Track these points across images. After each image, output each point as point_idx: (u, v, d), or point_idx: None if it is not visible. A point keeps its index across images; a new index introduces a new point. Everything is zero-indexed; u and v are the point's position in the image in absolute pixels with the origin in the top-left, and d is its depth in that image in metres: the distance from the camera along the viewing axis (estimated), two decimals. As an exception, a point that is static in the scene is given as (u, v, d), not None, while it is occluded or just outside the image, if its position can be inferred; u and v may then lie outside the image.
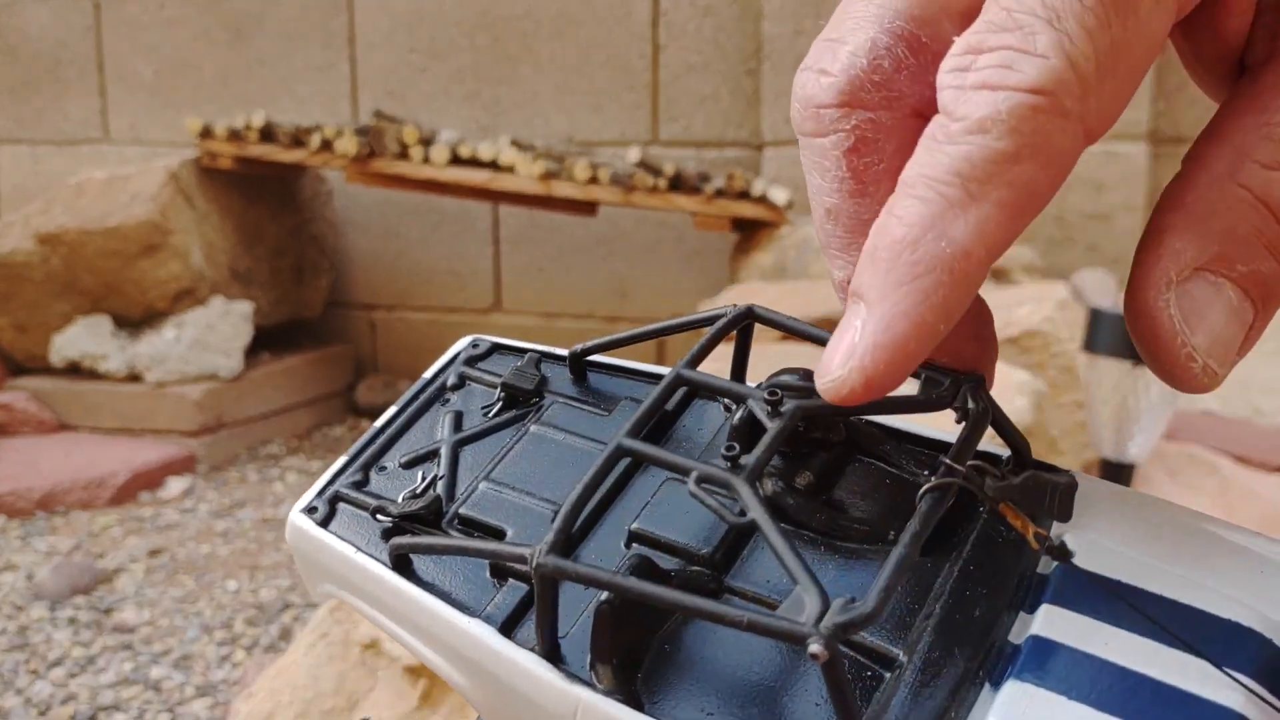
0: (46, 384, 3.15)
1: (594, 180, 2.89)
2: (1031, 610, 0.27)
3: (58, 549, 2.44)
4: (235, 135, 3.12)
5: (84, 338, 3.15)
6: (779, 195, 2.86)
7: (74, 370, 3.17)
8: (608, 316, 3.44)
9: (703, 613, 0.24)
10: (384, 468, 0.36)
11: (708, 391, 0.33)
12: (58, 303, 3.21)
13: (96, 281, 3.16)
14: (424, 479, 0.34)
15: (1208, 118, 0.28)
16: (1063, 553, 0.27)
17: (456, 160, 2.99)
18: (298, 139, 3.09)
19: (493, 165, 2.96)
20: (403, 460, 0.36)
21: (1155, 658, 0.25)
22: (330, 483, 0.35)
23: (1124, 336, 1.68)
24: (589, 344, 0.37)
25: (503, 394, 0.37)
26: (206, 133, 3.14)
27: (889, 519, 0.29)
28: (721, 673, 0.27)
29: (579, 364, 0.37)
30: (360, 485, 0.35)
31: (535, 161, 2.90)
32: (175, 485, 2.83)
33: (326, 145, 3.06)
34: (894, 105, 0.27)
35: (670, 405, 0.35)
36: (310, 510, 0.35)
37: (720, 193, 2.86)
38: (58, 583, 2.22)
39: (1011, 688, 0.25)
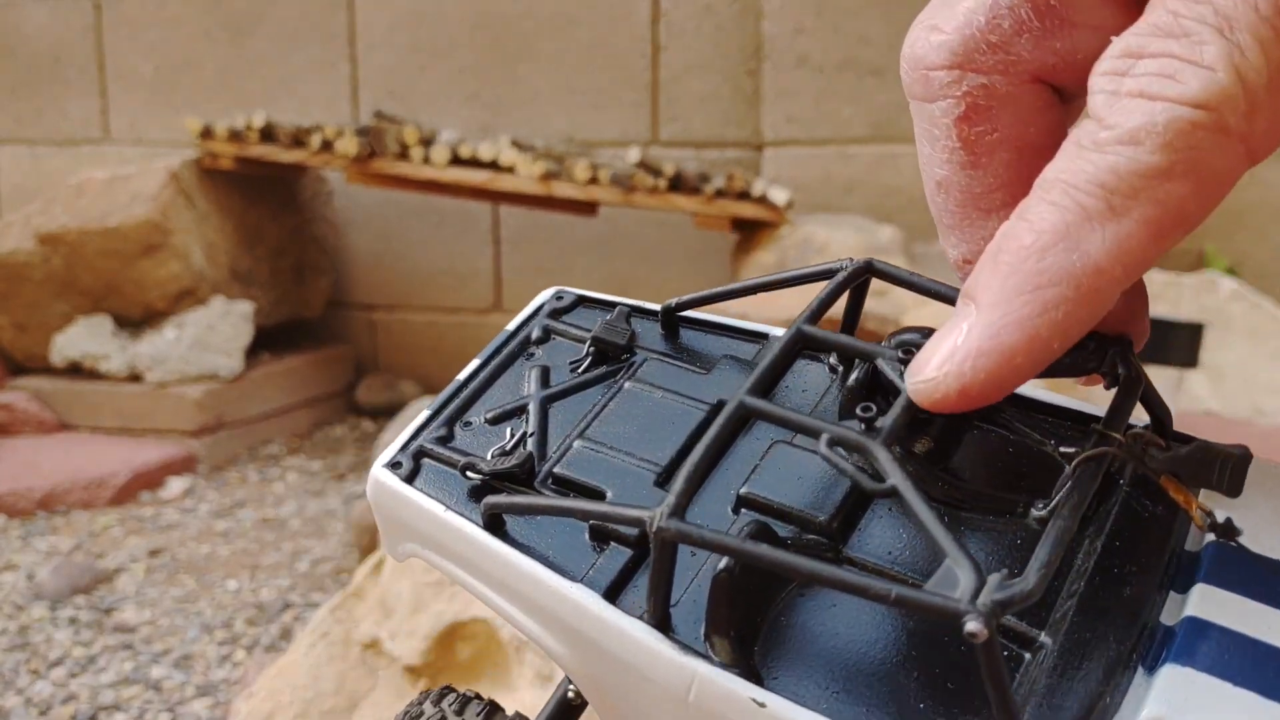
0: (47, 384, 3.15)
1: (594, 180, 2.89)
2: (1184, 590, 0.25)
3: (58, 549, 2.44)
4: (236, 135, 3.12)
5: (84, 338, 3.15)
6: (779, 195, 2.86)
7: (74, 370, 3.17)
8: (608, 316, 3.44)
9: (842, 584, 0.22)
10: (469, 423, 0.34)
11: (832, 348, 0.30)
12: (58, 303, 3.21)
13: (97, 281, 3.16)
14: (513, 436, 0.33)
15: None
16: (1229, 531, 0.25)
17: (457, 160, 2.99)
18: (298, 139, 3.09)
19: (493, 165, 2.96)
20: (489, 416, 0.34)
21: None
22: (414, 437, 0.34)
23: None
24: (684, 298, 0.35)
25: (592, 348, 0.35)
26: (207, 133, 3.13)
27: (1013, 489, 0.27)
28: (844, 648, 0.25)
29: (672, 319, 0.35)
30: (445, 441, 0.33)
31: (535, 162, 2.90)
32: (176, 485, 2.83)
33: (327, 145, 3.06)
34: (1011, 70, 0.25)
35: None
36: (394, 465, 0.33)
37: (720, 193, 2.86)
38: (58, 583, 2.22)
39: (1170, 672, 0.23)
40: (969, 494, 0.28)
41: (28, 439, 3.02)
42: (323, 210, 3.61)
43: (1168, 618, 0.24)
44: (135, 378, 3.10)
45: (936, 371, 0.23)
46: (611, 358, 0.35)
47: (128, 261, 3.11)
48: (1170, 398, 1.83)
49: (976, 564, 0.21)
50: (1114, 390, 0.27)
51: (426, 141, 3.03)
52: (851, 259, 0.31)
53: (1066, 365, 0.27)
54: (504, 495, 0.30)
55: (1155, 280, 2.65)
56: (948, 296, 0.29)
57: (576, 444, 0.32)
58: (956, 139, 0.26)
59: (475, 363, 0.36)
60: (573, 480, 0.31)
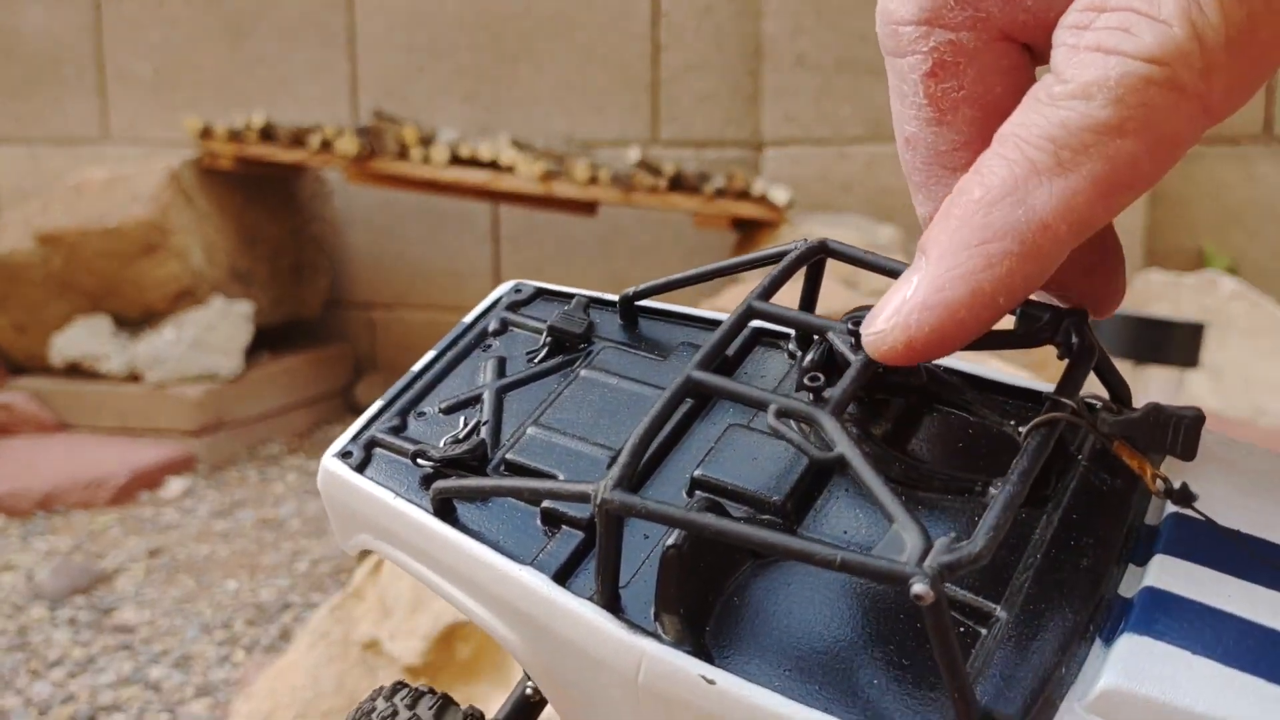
0: (46, 384, 3.15)
1: (594, 180, 2.89)
2: (1142, 562, 0.25)
3: (58, 549, 2.44)
4: (235, 135, 3.12)
5: (84, 338, 3.15)
6: (779, 195, 2.86)
7: (74, 370, 3.17)
8: (608, 316, 3.44)
9: (788, 551, 0.22)
10: (423, 413, 0.34)
11: (782, 323, 0.30)
12: (57, 303, 3.20)
13: (96, 281, 3.16)
14: (466, 424, 0.33)
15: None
16: (1185, 496, 0.25)
17: (456, 160, 2.99)
18: (298, 139, 3.09)
19: (493, 165, 2.96)
20: (443, 406, 0.34)
21: None
22: (365, 427, 0.33)
23: (1124, 337, 1.68)
24: (641, 287, 0.35)
25: (549, 338, 0.35)
26: (206, 133, 3.13)
27: (971, 469, 0.27)
28: (797, 626, 0.25)
29: (630, 308, 0.35)
30: (398, 430, 0.33)
31: (535, 161, 2.90)
32: (175, 485, 2.83)
33: (326, 145, 3.06)
34: (980, 27, 0.24)
35: (733, 348, 0.32)
36: (344, 455, 0.33)
37: (720, 192, 2.86)
38: (57, 583, 2.22)
39: (1128, 642, 0.22)
40: (927, 474, 0.27)
41: (27, 439, 3.02)
42: (322, 210, 3.61)
43: (1126, 589, 0.24)
44: (134, 378, 3.10)
45: (885, 324, 0.23)
46: (569, 347, 0.35)
47: (127, 261, 3.10)
48: (1170, 398, 1.83)
49: (923, 528, 0.21)
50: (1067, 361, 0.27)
51: (426, 141, 3.02)
52: (805, 239, 0.30)
53: (1021, 337, 0.27)
54: (453, 480, 0.30)
55: (1155, 280, 2.65)
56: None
57: (530, 430, 0.32)
58: (923, 95, 0.25)
59: (431, 354, 0.36)
60: (525, 466, 0.31)
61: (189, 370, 3.07)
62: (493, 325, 0.36)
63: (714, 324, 0.34)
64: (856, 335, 0.26)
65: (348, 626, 1.31)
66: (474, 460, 0.31)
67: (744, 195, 2.86)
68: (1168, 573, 0.24)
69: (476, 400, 0.34)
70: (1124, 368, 1.79)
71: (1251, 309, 2.46)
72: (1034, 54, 0.26)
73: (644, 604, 0.26)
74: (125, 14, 3.73)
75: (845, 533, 0.27)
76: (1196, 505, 0.25)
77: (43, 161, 3.87)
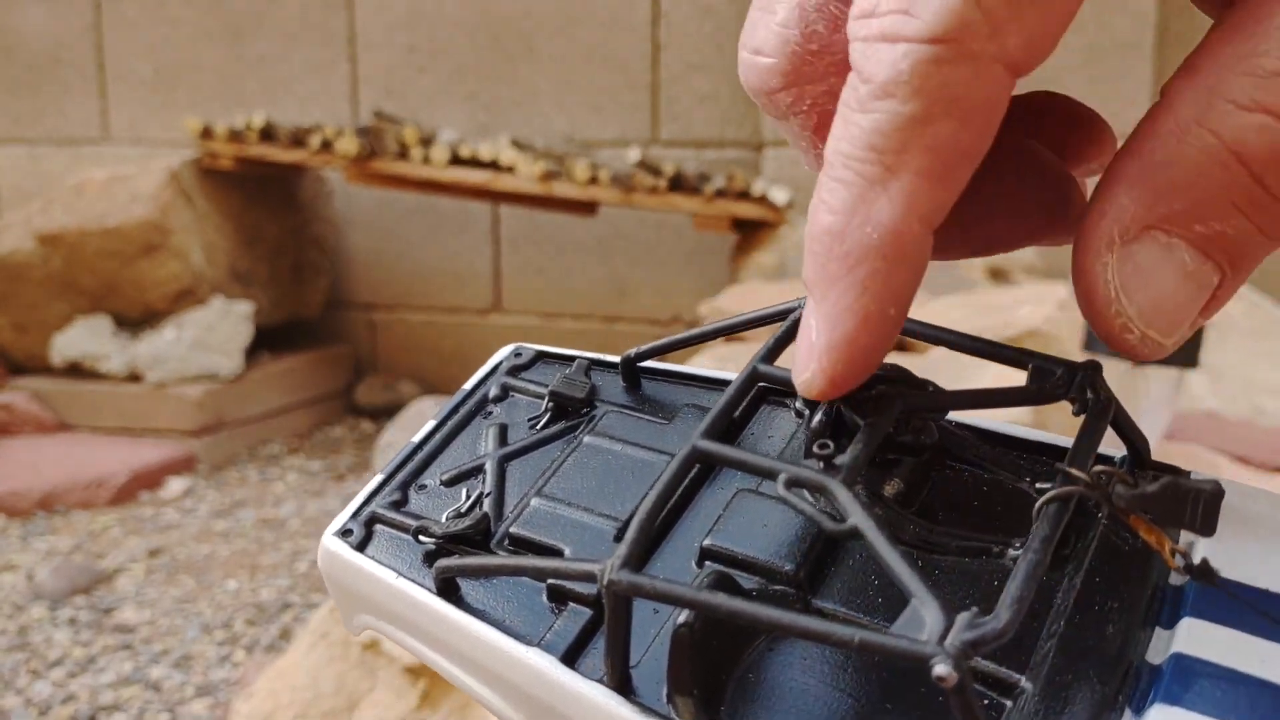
0: (46, 384, 3.15)
1: (594, 180, 2.89)
2: (1169, 625, 0.24)
3: (58, 549, 2.44)
4: (235, 135, 3.12)
5: (84, 338, 3.15)
6: (779, 195, 2.86)
7: (74, 370, 3.17)
8: (608, 316, 3.44)
9: (804, 631, 0.21)
10: (424, 486, 0.33)
11: (787, 387, 0.29)
12: (58, 303, 3.21)
13: (96, 281, 3.16)
14: (469, 497, 0.32)
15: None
16: (1206, 573, 0.24)
17: (456, 160, 2.99)
18: (298, 139, 3.09)
19: (493, 165, 2.96)
20: (444, 478, 0.33)
21: None
22: (366, 503, 0.32)
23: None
24: (643, 348, 0.34)
25: (551, 404, 0.34)
26: (207, 133, 3.14)
27: (988, 530, 0.26)
28: (815, 704, 0.24)
29: (632, 370, 0.34)
30: (399, 505, 0.32)
31: (535, 161, 2.90)
32: (175, 485, 2.83)
33: (326, 145, 3.06)
34: (845, 68, 0.23)
35: (736, 413, 0.31)
36: (345, 533, 0.32)
37: (720, 193, 2.86)
38: (58, 583, 2.22)
39: (1159, 713, 0.21)
40: (942, 536, 0.26)
41: (27, 439, 3.02)
42: (322, 210, 3.61)
43: (1154, 655, 0.23)
44: (135, 378, 3.10)
45: (806, 371, 0.24)
46: (571, 412, 0.34)
47: (127, 261, 3.11)
48: (1170, 398, 1.83)
49: (943, 603, 0.20)
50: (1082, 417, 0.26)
51: (426, 141, 3.03)
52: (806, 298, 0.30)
53: (1034, 394, 0.26)
54: (456, 558, 0.29)
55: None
56: (912, 332, 0.28)
57: (534, 502, 0.31)
58: (821, 147, 0.25)
59: (430, 424, 0.35)
60: (530, 540, 0.30)
61: (189, 370, 3.07)
62: (493, 391, 0.36)
63: (718, 383, 0.34)
64: (865, 397, 0.25)
65: (348, 626, 1.31)
66: (477, 535, 0.30)
67: (744, 196, 2.86)
68: (1196, 637, 0.23)
69: (479, 470, 0.33)
70: (1123, 367, 1.79)
71: (1251, 309, 2.46)
72: None
73: (656, 684, 0.25)
74: (125, 14, 3.73)
75: (861, 602, 0.26)
76: (1220, 574, 0.24)
77: (43, 161, 3.87)
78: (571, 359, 0.36)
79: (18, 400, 3.08)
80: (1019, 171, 0.26)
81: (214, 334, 3.11)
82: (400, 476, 0.33)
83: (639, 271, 3.41)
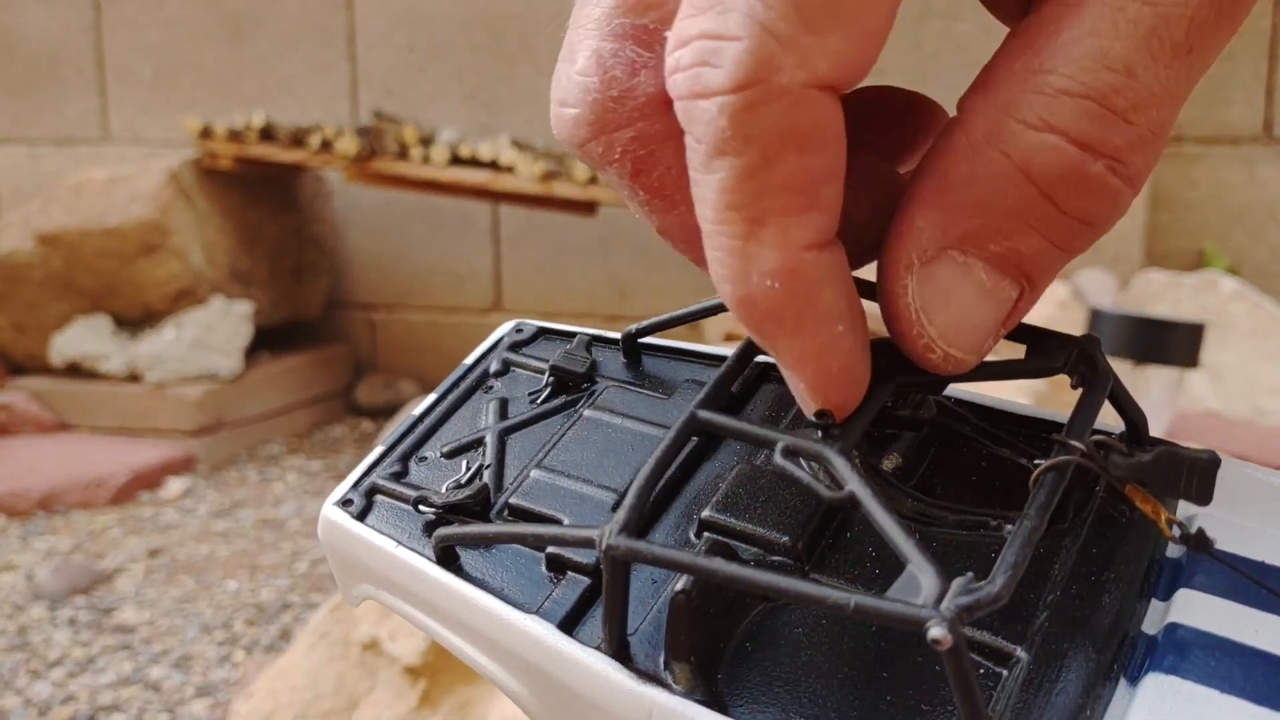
0: (46, 384, 3.15)
1: (594, 180, 2.89)
2: (1165, 597, 0.24)
3: (57, 549, 2.44)
4: (235, 135, 3.12)
5: (84, 338, 3.15)
6: (779, 195, 2.86)
7: (74, 370, 3.17)
8: (608, 316, 3.44)
9: (800, 596, 0.21)
10: (424, 458, 0.33)
11: None
12: (57, 303, 3.21)
13: (96, 281, 3.16)
14: (469, 468, 0.32)
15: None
16: (1202, 542, 0.24)
17: (456, 160, 2.99)
18: (297, 139, 3.09)
19: (493, 165, 2.96)
20: (444, 450, 0.33)
21: None
22: (366, 474, 0.33)
23: (1125, 337, 1.68)
24: (643, 324, 0.34)
25: (552, 378, 0.34)
26: (206, 133, 3.13)
27: (985, 504, 0.26)
28: (812, 671, 0.24)
29: (633, 346, 0.34)
30: (399, 476, 0.32)
31: (535, 161, 2.90)
32: (175, 485, 2.83)
33: (326, 145, 3.06)
34: (650, 111, 0.23)
35: (738, 385, 0.31)
36: (345, 503, 0.32)
37: (720, 192, 2.86)
38: (57, 583, 2.22)
39: (1154, 682, 0.22)
40: (940, 510, 0.27)
41: (27, 439, 3.02)
42: (322, 210, 3.61)
43: (1150, 626, 0.24)
44: (134, 378, 3.10)
45: (809, 412, 0.24)
46: (572, 387, 0.34)
47: (127, 261, 3.10)
48: (1171, 398, 1.83)
49: (939, 568, 0.20)
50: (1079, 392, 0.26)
51: (426, 141, 3.02)
52: None
53: (1031, 368, 0.26)
54: (455, 527, 0.29)
55: (1155, 280, 2.65)
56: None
57: (533, 473, 0.31)
58: (643, 192, 0.24)
59: (432, 397, 0.35)
60: (529, 510, 0.30)
61: (189, 370, 3.07)
62: (494, 366, 0.36)
63: (718, 359, 0.34)
64: None
65: (347, 627, 1.31)
66: (477, 505, 0.30)
67: None
68: (1192, 608, 0.23)
69: (479, 443, 0.33)
70: (1124, 368, 1.79)
71: (1252, 309, 2.46)
72: None
73: (653, 651, 0.25)
74: (125, 14, 3.73)
75: (859, 572, 0.26)
76: (1216, 544, 0.24)
77: (43, 161, 3.87)
78: (573, 335, 0.36)
79: (17, 400, 3.08)
80: (852, 186, 0.26)
81: (214, 334, 3.11)
82: (401, 448, 0.33)
83: (639, 271, 3.41)
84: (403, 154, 3.01)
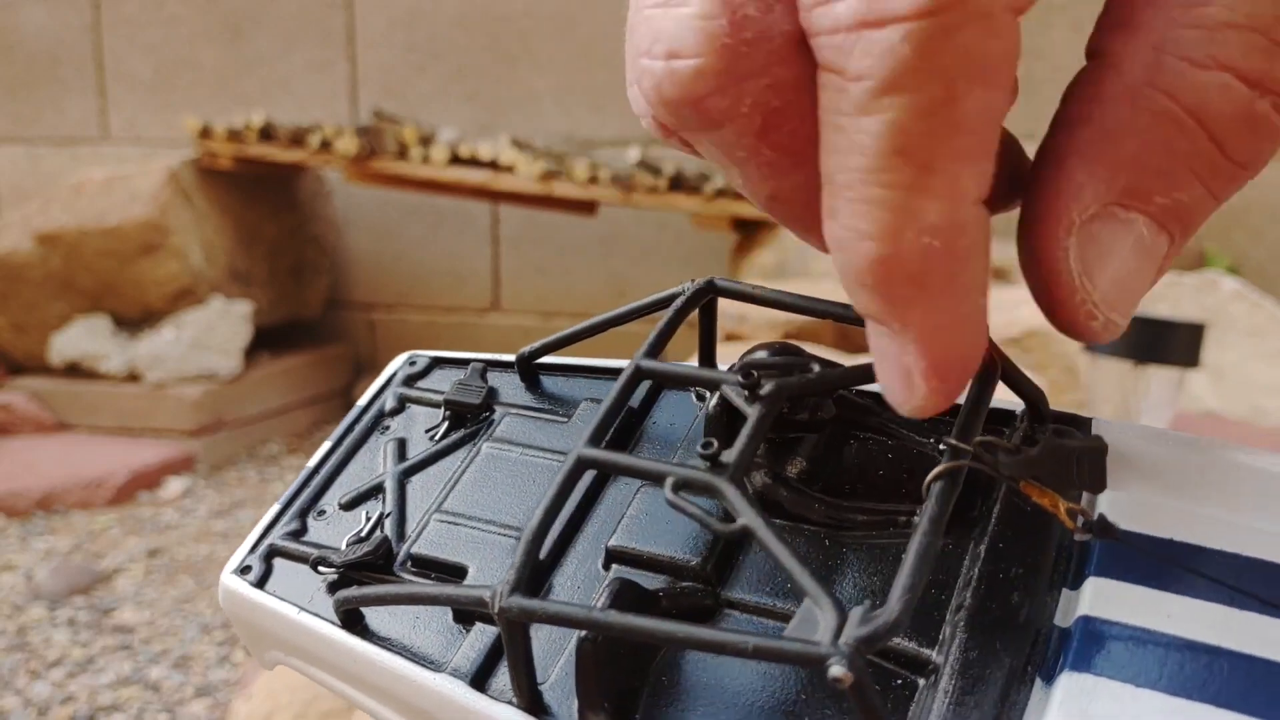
0: (46, 384, 3.15)
1: (594, 180, 2.89)
2: (1076, 586, 0.23)
3: (57, 549, 2.44)
4: (234, 135, 3.12)
5: (83, 338, 3.15)
6: (779, 195, 2.86)
7: (73, 370, 3.17)
8: (607, 316, 3.44)
9: (698, 643, 0.21)
10: (323, 512, 0.32)
11: (672, 382, 0.29)
12: (56, 303, 3.20)
13: (95, 281, 3.16)
14: (369, 519, 0.31)
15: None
16: (1105, 529, 0.23)
17: (456, 160, 2.99)
18: (297, 139, 3.09)
19: (492, 165, 2.96)
20: (343, 500, 0.32)
21: (1229, 625, 0.21)
22: (263, 536, 0.31)
23: (1125, 336, 1.68)
24: (537, 345, 0.33)
25: (448, 412, 0.33)
26: (206, 132, 3.13)
27: (896, 498, 0.26)
28: (731, 703, 0.24)
29: (529, 368, 0.33)
30: (298, 535, 0.31)
31: (535, 161, 2.90)
32: (174, 485, 2.83)
33: (326, 145, 3.06)
34: (787, 54, 0.20)
35: (635, 402, 0.31)
36: (244, 570, 0.31)
37: (720, 192, 2.86)
38: (56, 583, 2.22)
39: (1068, 681, 0.21)
40: (849, 512, 0.26)
41: (26, 439, 3.02)
42: (321, 210, 3.61)
43: (1062, 619, 0.23)
44: (134, 378, 3.10)
45: (915, 397, 0.21)
46: (470, 419, 0.33)
47: (126, 261, 3.10)
48: (1171, 398, 1.83)
49: (836, 600, 0.20)
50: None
51: (425, 141, 3.02)
52: (693, 280, 0.29)
53: None
54: (356, 588, 0.28)
55: (1155, 280, 2.64)
56: (795, 306, 0.27)
57: (434, 520, 0.30)
58: (769, 150, 0.21)
59: (327, 445, 0.34)
60: (433, 559, 0.29)
61: (188, 370, 3.07)
62: (389, 404, 0.34)
63: (615, 373, 0.33)
64: (750, 386, 0.24)
65: (347, 627, 1.30)
66: (379, 560, 0.29)
67: (744, 195, 2.86)
68: (1102, 597, 0.23)
69: (378, 490, 0.32)
70: (1124, 367, 1.79)
71: (1252, 309, 2.46)
72: None
73: (568, 700, 0.24)
74: (125, 14, 3.73)
75: (770, 586, 0.25)
76: (1120, 528, 0.23)
77: (42, 161, 3.87)
78: (467, 363, 0.35)
79: (17, 400, 3.08)
80: None
81: (213, 334, 3.11)
82: (298, 504, 0.32)
83: (639, 271, 3.41)
84: (402, 154, 3.01)
